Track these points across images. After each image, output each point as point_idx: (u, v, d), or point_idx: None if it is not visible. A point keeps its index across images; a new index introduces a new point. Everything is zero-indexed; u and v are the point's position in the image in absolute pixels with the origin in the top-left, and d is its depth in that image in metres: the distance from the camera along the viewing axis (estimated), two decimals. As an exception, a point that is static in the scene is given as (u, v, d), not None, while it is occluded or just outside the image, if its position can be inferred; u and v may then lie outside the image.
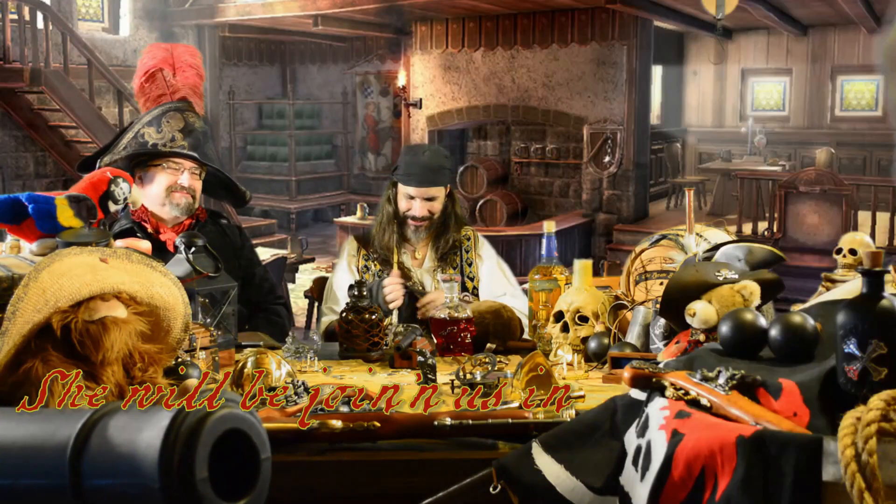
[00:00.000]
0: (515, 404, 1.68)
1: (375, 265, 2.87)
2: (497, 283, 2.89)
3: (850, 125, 11.47)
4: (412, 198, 2.82)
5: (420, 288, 2.84)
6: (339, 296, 2.86)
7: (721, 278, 1.76)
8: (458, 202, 2.95)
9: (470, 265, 2.91)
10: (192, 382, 1.59)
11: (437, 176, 2.82)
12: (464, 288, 2.82)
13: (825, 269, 2.33)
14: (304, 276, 8.11)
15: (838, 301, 1.42)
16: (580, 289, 2.28)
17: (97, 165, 2.54)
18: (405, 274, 2.84)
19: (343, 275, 2.90)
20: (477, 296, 2.86)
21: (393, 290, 2.70)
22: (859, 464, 1.11)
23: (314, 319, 5.53)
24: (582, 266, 2.33)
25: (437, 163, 2.83)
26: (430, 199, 2.83)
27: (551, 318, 2.30)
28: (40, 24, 8.47)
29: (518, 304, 2.66)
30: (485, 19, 10.40)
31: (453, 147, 11.74)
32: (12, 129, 9.16)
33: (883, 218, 7.76)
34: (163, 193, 2.63)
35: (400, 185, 2.85)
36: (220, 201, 3.22)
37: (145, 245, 2.11)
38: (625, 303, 2.20)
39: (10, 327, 1.39)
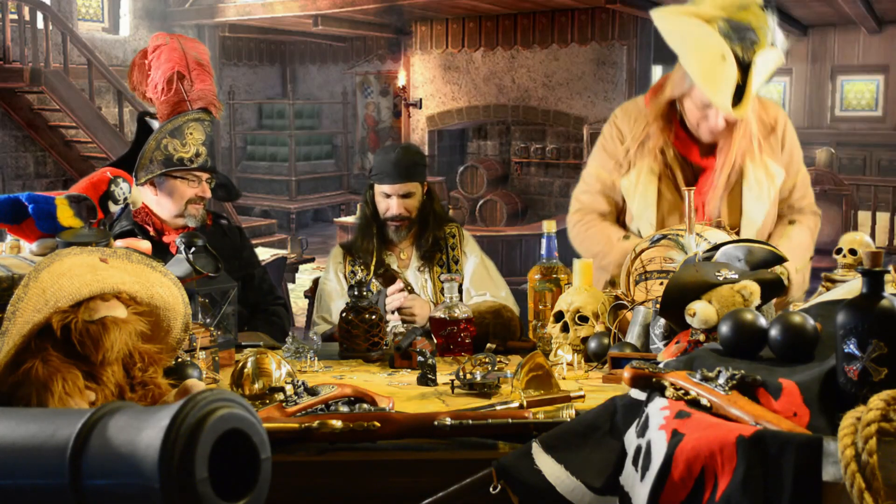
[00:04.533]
0: (515, 404, 1.68)
1: (362, 270, 2.86)
2: (480, 282, 2.88)
3: (850, 125, 11.46)
4: (388, 196, 2.84)
5: (410, 290, 2.83)
6: (331, 305, 2.86)
7: (721, 278, 1.76)
8: (437, 199, 2.96)
9: (456, 262, 2.92)
10: (193, 382, 1.59)
11: (409, 171, 2.83)
12: None
13: (825, 269, 2.33)
14: (304, 276, 8.11)
15: (838, 301, 1.42)
16: (580, 289, 2.28)
17: (134, 178, 2.54)
18: (391, 276, 2.82)
19: (332, 284, 2.90)
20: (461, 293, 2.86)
21: (394, 299, 2.68)
22: (859, 464, 1.11)
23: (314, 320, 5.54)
24: (582, 266, 2.33)
25: (409, 159, 2.85)
26: (405, 196, 2.84)
27: (551, 318, 2.30)
28: (40, 24, 8.48)
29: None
30: (485, 19, 10.41)
31: (453, 147, 11.74)
32: (12, 129, 9.16)
33: (883, 218, 7.77)
34: (183, 206, 2.67)
35: (376, 186, 2.87)
36: (217, 200, 3.24)
37: (145, 245, 2.11)
38: (625, 303, 2.20)
39: (10, 327, 1.39)
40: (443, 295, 2.79)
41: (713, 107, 2.37)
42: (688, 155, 2.53)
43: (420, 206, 2.89)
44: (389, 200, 2.84)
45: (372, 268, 2.84)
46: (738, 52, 2.26)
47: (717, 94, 2.29)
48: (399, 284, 2.71)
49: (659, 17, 2.43)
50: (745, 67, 2.28)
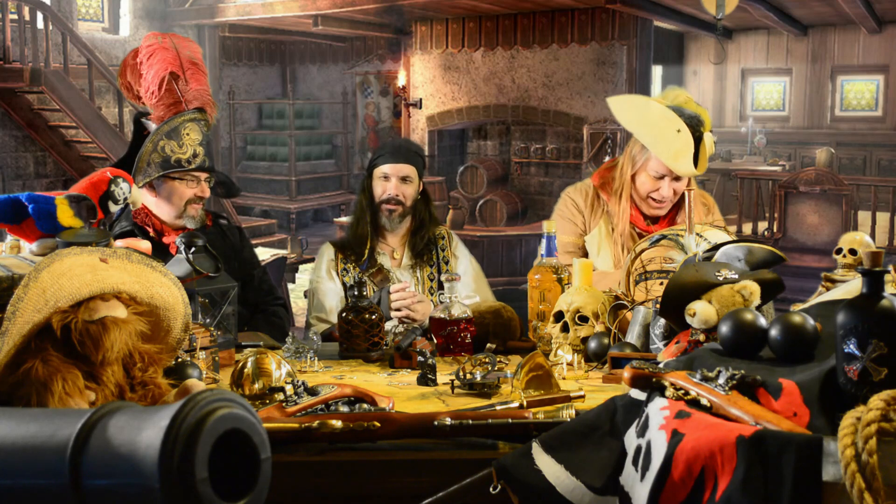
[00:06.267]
0: (515, 404, 1.68)
1: (355, 268, 2.87)
2: (471, 284, 2.92)
3: (850, 125, 11.46)
4: (387, 178, 2.87)
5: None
6: (326, 304, 2.85)
7: (721, 278, 1.76)
8: (431, 202, 3.02)
9: (447, 263, 2.96)
10: (193, 382, 1.59)
11: (409, 155, 2.91)
12: (440, 286, 2.84)
13: (825, 269, 2.33)
14: (304, 276, 8.11)
15: (838, 301, 1.42)
16: (580, 289, 2.28)
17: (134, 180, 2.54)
18: (385, 276, 2.86)
19: (325, 283, 2.89)
20: None
21: (400, 297, 2.68)
22: (859, 464, 1.11)
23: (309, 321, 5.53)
24: (582, 266, 2.33)
25: (410, 146, 2.99)
26: (404, 180, 2.88)
27: (551, 318, 2.30)
28: (40, 24, 8.47)
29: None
30: (485, 19, 10.40)
31: (453, 147, 11.73)
32: (12, 129, 9.16)
33: (883, 218, 7.76)
34: (182, 207, 2.67)
35: (375, 170, 2.90)
36: (218, 196, 3.25)
37: (145, 245, 2.11)
38: (625, 303, 2.20)
39: (10, 327, 1.39)
40: (431, 294, 2.84)
41: (666, 178, 2.70)
42: (636, 223, 2.83)
43: (415, 203, 2.92)
44: (387, 182, 2.87)
45: (365, 254, 2.85)
46: (689, 127, 2.60)
47: (677, 161, 2.61)
48: (402, 284, 2.72)
49: (615, 102, 2.77)
50: (696, 140, 2.62)
